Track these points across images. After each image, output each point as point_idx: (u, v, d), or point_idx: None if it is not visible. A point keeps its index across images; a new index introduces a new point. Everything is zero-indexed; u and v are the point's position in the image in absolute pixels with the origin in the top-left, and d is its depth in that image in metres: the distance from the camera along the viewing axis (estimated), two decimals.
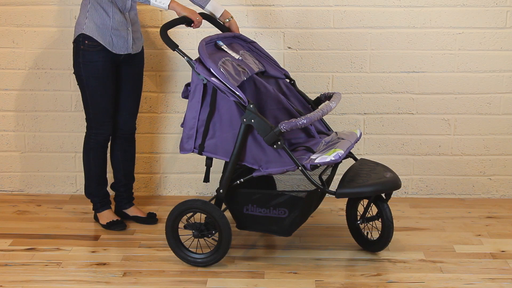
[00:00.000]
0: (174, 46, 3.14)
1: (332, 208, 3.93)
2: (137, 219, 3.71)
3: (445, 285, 3.05)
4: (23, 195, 4.15)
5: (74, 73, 3.47)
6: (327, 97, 3.41)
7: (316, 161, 2.99)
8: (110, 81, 3.46)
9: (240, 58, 3.28)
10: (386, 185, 3.12)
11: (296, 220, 3.14)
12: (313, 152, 3.10)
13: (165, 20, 3.86)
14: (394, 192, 4.08)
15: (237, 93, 3.01)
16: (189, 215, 3.24)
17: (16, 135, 4.09)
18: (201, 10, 3.44)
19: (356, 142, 3.31)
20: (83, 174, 4.05)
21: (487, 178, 4.09)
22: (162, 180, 4.17)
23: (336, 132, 3.40)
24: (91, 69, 3.39)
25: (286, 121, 2.96)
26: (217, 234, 3.18)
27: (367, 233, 3.37)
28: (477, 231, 3.63)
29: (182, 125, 3.20)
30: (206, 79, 3.05)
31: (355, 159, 3.40)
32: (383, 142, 4.06)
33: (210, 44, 3.25)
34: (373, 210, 3.34)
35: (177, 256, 3.24)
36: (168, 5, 3.21)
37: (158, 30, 3.19)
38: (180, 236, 3.24)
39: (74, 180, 4.15)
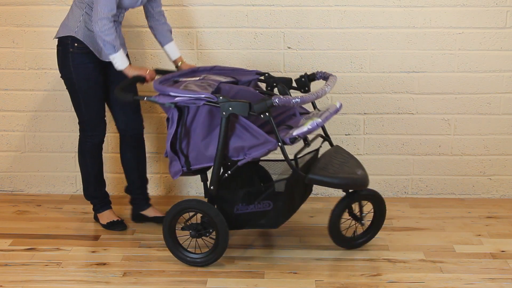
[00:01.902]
0: (130, 97, 3.18)
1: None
2: (157, 220, 3.65)
3: (445, 285, 3.05)
4: (23, 195, 4.15)
5: (62, 77, 3.44)
6: (323, 77, 3.36)
7: (294, 133, 2.99)
8: (100, 82, 3.44)
9: (202, 78, 3.31)
10: (355, 182, 3.14)
11: (282, 211, 3.15)
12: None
13: None
14: (394, 192, 4.10)
15: (203, 95, 3.01)
16: (187, 216, 3.25)
17: (16, 135, 4.09)
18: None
19: (336, 112, 3.24)
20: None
21: (487, 178, 4.09)
22: (162, 180, 4.17)
23: (318, 109, 3.38)
24: (82, 71, 3.37)
25: (281, 96, 2.95)
26: (214, 233, 3.18)
27: (354, 232, 3.39)
28: (477, 231, 3.63)
29: (166, 154, 3.21)
30: (173, 103, 3.06)
31: (331, 144, 3.40)
32: (383, 142, 4.06)
33: (166, 82, 3.28)
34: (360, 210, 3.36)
35: (176, 257, 3.25)
36: (122, 69, 3.28)
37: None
38: (178, 237, 3.25)
39: (74, 180, 4.15)
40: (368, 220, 3.38)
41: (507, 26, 3.88)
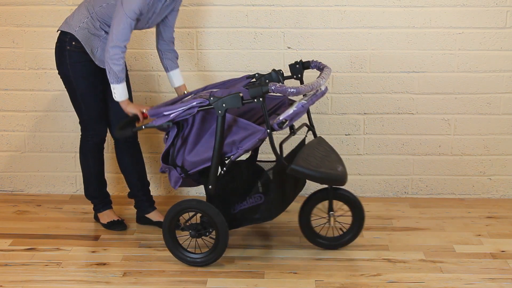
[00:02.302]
0: (129, 131, 3.21)
1: None
2: (160, 225, 3.54)
3: (445, 285, 3.05)
4: (23, 195, 4.15)
5: (59, 74, 3.43)
6: (318, 67, 3.34)
7: (281, 117, 2.99)
8: (98, 81, 3.42)
9: (193, 93, 3.34)
10: (335, 178, 3.12)
11: (274, 201, 3.16)
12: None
13: None
14: (394, 192, 4.10)
15: (195, 102, 3.02)
16: (186, 217, 3.25)
17: (16, 135, 4.09)
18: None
19: (322, 95, 3.23)
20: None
21: (487, 178, 4.09)
22: (162, 180, 4.17)
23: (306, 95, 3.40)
24: (79, 69, 3.36)
25: (277, 83, 2.93)
26: (214, 232, 3.19)
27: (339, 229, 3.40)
28: (477, 231, 3.63)
29: (161, 169, 3.22)
30: (169, 121, 3.07)
31: (314, 135, 3.40)
32: (383, 142, 4.06)
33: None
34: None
35: (175, 257, 3.25)
36: (119, 101, 3.27)
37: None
38: (178, 237, 3.25)
39: (74, 180, 4.15)
40: (339, 221, 3.39)
41: (507, 26, 3.88)
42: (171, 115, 3.07)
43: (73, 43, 3.33)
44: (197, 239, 3.26)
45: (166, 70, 3.57)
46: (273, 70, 3.39)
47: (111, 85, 3.24)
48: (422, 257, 3.31)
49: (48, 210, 3.92)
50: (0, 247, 3.42)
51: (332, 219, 3.32)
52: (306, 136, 3.41)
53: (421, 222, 3.74)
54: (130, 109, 3.28)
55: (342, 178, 3.13)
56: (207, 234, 3.22)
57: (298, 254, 3.35)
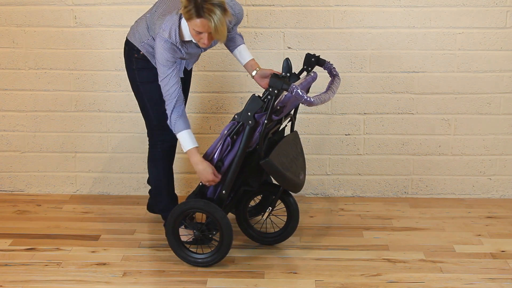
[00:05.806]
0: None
1: (332, 208, 3.93)
2: None
3: (445, 285, 3.05)
4: (23, 195, 4.15)
5: (129, 77, 3.39)
6: (330, 70, 3.31)
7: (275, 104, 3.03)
8: None
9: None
10: (293, 186, 3.20)
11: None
12: None
13: None
14: (394, 192, 4.10)
15: (225, 131, 3.08)
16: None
17: (16, 135, 4.09)
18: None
19: (313, 80, 3.26)
20: (83, 174, 4.06)
21: (487, 178, 4.09)
22: None
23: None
24: (145, 74, 3.32)
25: (298, 87, 2.93)
26: (218, 234, 3.19)
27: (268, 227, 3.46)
28: (477, 231, 3.63)
29: None
30: (219, 162, 3.13)
31: (292, 128, 3.43)
32: (383, 142, 4.06)
33: None
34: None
35: (178, 256, 3.24)
36: (186, 151, 3.16)
37: None
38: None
39: (74, 180, 4.15)
40: (271, 219, 3.49)
41: (507, 26, 3.87)
42: (216, 155, 3.12)
43: (141, 52, 3.29)
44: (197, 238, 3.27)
45: (231, 51, 3.44)
46: (287, 59, 3.34)
47: (177, 135, 3.15)
48: (422, 257, 3.31)
49: (48, 210, 3.92)
50: (0, 247, 3.42)
51: (266, 213, 3.34)
52: (285, 125, 3.42)
53: (421, 222, 3.74)
54: (195, 166, 3.15)
55: (299, 187, 3.24)
56: (210, 236, 3.22)
57: (298, 254, 3.35)
